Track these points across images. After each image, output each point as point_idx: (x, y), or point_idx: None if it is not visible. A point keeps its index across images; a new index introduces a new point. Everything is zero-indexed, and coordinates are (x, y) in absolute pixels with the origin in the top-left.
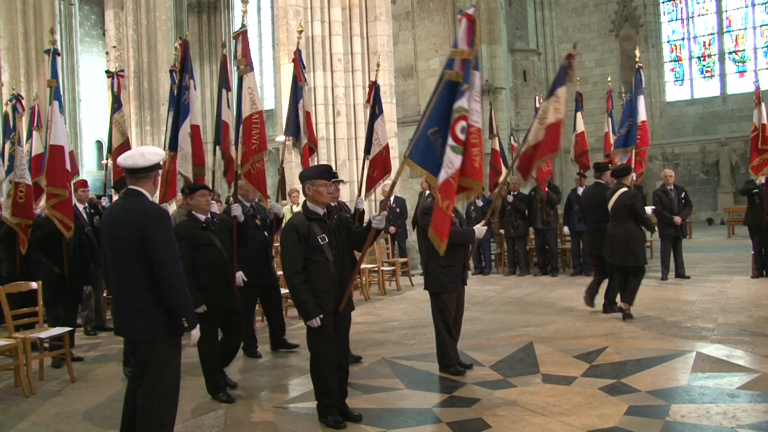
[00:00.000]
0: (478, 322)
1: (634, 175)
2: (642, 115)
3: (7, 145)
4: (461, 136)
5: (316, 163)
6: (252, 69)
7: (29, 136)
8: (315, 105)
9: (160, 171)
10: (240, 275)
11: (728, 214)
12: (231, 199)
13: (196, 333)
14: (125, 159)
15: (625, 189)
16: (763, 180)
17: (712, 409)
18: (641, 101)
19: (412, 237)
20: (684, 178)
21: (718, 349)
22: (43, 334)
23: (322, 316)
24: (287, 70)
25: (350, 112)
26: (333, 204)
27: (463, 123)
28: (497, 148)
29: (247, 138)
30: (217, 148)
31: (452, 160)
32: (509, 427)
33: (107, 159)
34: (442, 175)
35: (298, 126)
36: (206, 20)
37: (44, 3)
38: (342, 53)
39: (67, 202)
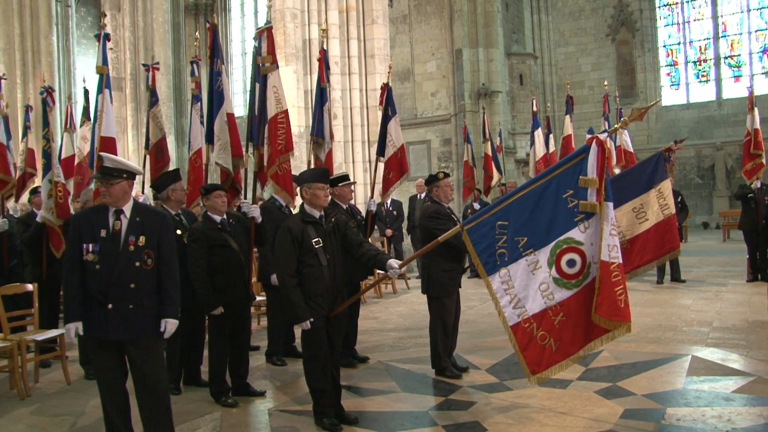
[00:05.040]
0: (474, 325)
1: None
2: None
3: (41, 143)
4: (568, 270)
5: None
6: (277, 67)
7: (24, 133)
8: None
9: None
10: (274, 278)
11: (723, 218)
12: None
13: (67, 332)
14: None
15: None
16: (758, 184)
17: (708, 412)
18: None
19: (408, 240)
20: (680, 182)
21: (713, 352)
22: (39, 336)
23: (312, 319)
24: (284, 73)
25: (347, 115)
26: (345, 206)
27: (571, 256)
28: (489, 152)
29: (273, 139)
30: (250, 144)
31: (553, 292)
32: (505, 430)
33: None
34: (538, 304)
35: (323, 128)
36: (203, 22)
37: (41, 4)
38: (339, 56)
39: None
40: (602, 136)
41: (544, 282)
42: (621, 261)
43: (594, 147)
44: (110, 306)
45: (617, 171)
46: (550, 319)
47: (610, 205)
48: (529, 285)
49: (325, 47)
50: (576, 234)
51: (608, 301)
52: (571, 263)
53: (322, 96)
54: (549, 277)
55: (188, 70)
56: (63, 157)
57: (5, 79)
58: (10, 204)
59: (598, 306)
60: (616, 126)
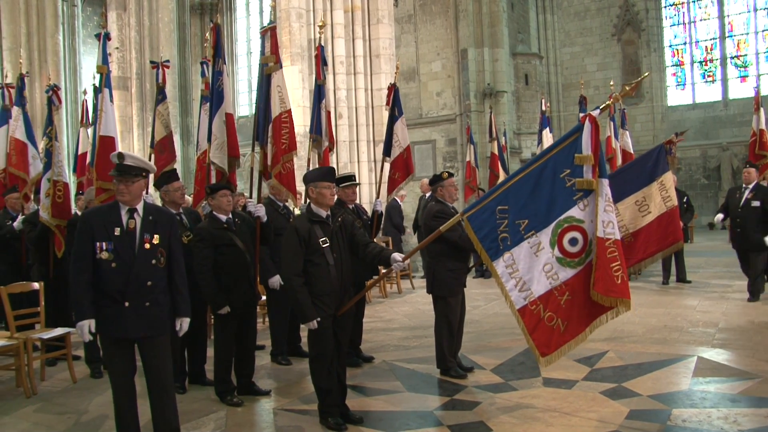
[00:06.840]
0: (479, 325)
1: None
2: None
3: (44, 141)
4: (571, 249)
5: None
6: (281, 66)
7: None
8: None
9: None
10: (277, 279)
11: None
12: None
13: (80, 330)
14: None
15: None
16: (764, 184)
17: (714, 413)
18: None
19: (413, 239)
20: (685, 182)
21: (719, 353)
22: (45, 335)
23: (319, 318)
24: (290, 73)
25: (352, 114)
26: (351, 206)
27: (573, 234)
28: (496, 152)
29: (277, 138)
30: (256, 143)
31: (557, 272)
32: (510, 430)
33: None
34: (543, 286)
35: (321, 125)
36: (209, 22)
37: (47, 4)
38: (344, 56)
39: None
40: (594, 113)
41: (547, 263)
42: (618, 237)
43: (587, 124)
44: (127, 304)
45: None
46: (556, 300)
47: (605, 181)
48: (533, 267)
49: (322, 44)
50: (576, 212)
51: (604, 278)
52: (573, 242)
53: (319, 93)
54: (552, 257)
55: (194, 70)
56: (80, 152)
57: (28, 76)
58: (30, 204)
59: (596, 282)
60: (608, 102)
